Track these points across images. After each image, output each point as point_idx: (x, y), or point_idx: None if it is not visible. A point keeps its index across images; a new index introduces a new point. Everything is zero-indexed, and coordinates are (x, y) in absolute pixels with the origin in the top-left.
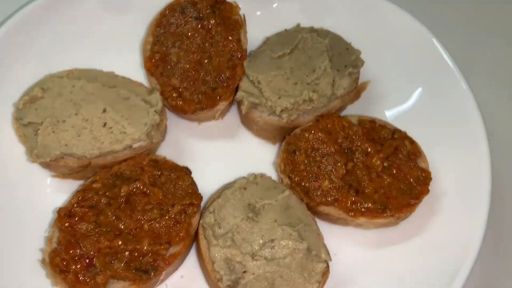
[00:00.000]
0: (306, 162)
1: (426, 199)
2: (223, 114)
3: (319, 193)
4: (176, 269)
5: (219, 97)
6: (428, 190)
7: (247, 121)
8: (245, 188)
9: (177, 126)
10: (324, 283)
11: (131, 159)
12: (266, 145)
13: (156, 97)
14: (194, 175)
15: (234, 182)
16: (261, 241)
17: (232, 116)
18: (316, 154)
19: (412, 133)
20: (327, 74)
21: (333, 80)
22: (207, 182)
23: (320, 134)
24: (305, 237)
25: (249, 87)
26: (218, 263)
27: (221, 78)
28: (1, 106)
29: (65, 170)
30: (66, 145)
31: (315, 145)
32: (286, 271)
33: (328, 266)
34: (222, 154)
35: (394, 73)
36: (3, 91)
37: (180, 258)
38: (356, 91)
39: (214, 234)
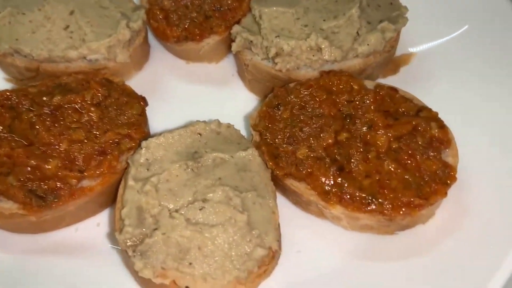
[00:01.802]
0: (288, 121)
1: (442, 210)
2: (218, 57)
3: (290, 161)
4: (92, 213)
5: (211, 29)
6: (445, 193)
7: (240, 67)
8: (200, 134)
9: (161, 59)
10: (261, 277)
11: (84, 73)
12: (256, 101)
13: (139, 14)
14: (154, 114)
15: (189, 123)
16: (190, 198)
17: (230, 63)
18: (304, 113)
19: (454, 128)
20: (351, 23)
21: (357, 33)
22: (167, 125)
23: (317, 90)
24: (251, 209)
25: (250, 24)
26: (128, 209)
27: (220, 8)
28: None
29: (15, 72)
30: (17, 39)
31: (307, 104)
32: (209, 243)
33: (273, 257)
34: (198, 101)
35: (454, 49)
36: None
37: (94, 197)
38: (393, 62)
39: (136, 174)
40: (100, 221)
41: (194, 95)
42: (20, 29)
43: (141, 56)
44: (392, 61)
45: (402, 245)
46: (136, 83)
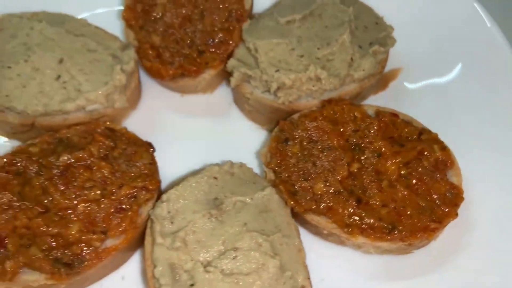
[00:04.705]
0: (299, 155)
1: (452, 225)
2: (213, 87)
3: (308, 197)
4: (116, 267)
5: (206, 64)
6: (457, 214)
7: (238, 99)
8: (215, 178)
9: (155, 95)
10: None
11: (84, 124)
12: (259, 131)
13: (129, 54)
14: (161, 156)
15: (203, 168)
16: (221, 248)
17: (225, 92)
18: (314, 147)
19: (447, 140)
20: (344, 50)
21: (351, 58)
22: (176, 167)
23: (322, 122)
24: (280, 251)
25: (245, 56)
26: (161, 268)
27: (212, 41)
28: None
29: (7, 128)
30: (7, 96)
31: (315, 136)
32: None
33: None
34: (201, 135)
35: (434, 61)
36: None
37: (119, 254)
38: (383, 78)
39: (162, 230)
40: (124, 274)
41: (195, 130)
42: (8, 84)
43: (136, 96)
44: (381, 78)
45: (418, 262)
46: (134, 123)
